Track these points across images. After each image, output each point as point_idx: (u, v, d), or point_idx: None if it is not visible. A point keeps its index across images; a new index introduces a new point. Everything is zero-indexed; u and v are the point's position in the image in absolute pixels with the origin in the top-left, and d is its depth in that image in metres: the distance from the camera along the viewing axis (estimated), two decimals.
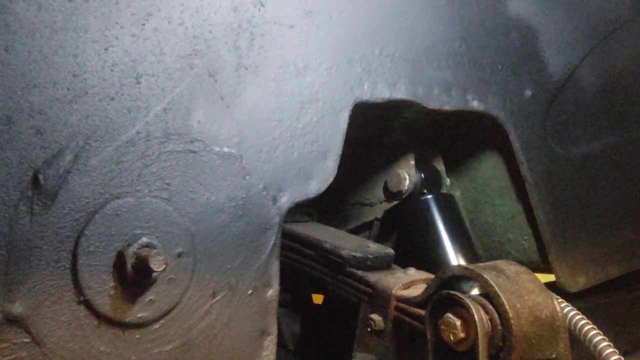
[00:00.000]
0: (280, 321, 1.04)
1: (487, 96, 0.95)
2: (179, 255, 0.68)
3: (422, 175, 1.00)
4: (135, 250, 0.64)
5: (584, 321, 0.71)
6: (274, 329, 0.76)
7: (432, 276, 0.75)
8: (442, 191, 1.03)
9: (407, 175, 0.98)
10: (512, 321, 0.60)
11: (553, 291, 0.67)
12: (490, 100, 0.95)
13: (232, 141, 0.72)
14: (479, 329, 0.60)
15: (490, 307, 0.62)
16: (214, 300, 0.71)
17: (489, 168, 1.04)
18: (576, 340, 0.69)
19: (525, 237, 1.03)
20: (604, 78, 1.09)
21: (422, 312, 0.68)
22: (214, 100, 0.71)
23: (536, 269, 1.01)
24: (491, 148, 1.03)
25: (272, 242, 0.75)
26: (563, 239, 1.00)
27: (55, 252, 0.61)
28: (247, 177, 0.73)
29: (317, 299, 1.11)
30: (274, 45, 0.75)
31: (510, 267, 0.67)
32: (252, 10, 0.74)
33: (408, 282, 0.75)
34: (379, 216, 1.03)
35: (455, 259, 0.95)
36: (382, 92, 0.83)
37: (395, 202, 1.00)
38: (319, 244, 0.85)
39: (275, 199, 0.75)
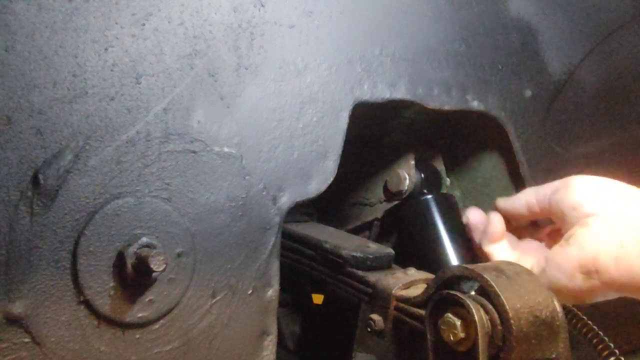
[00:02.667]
0: (280, 321, 1.04)
1: (487, 96, 0.95)
2: (179, 255, 0.68)
3: (422, 175, 0.99)
4: (135, 250, 0.64)
5: (584, 321, 0.71)
6: (274, 329, 0.76)
7: (432, 276, 0.75)
8: (442, 191, 1.03)
9: (407, 175, 0.98)
10: (512, 321, 0.60)
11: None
12: (490, 100, 0.95)
13: (232, 141, 0.72)
14: (479, 329, 0.60)
15: (490, 307, 0.62)
16: (214, 300, 0.71)
17: (489, 168, 1.04)
18: (576, 340, 0.69)
19: None
20: (604, 78, 1.09)
21: (422, 312, 0.68)
22: (214, 100, 0.71)
23: None
24: (491, 148, 1.03)
25: (272, 242, 0.75)
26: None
27: (55, 252, 0.61)
28: (247, 177, 0.73)
29: (317, 299, 1.11)
30: (274, 45, 0.75)
31: (510, 267, 0.67)
32: (252, 10, 0.74)
33: (408, 282, 0.75)
34: (379, 216, 1.03)
35: (455, 259, 0.95)
36: (382, 92, 0.83)
37: (395, 202, 1.00)
38: (319, 244, 0.85)
39: (275, 199, 0.75)
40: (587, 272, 0.68)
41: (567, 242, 0.71)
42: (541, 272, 0.74)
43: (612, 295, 0.70)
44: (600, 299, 0.71)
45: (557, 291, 0.70)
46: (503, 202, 0.80)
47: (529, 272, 0.67)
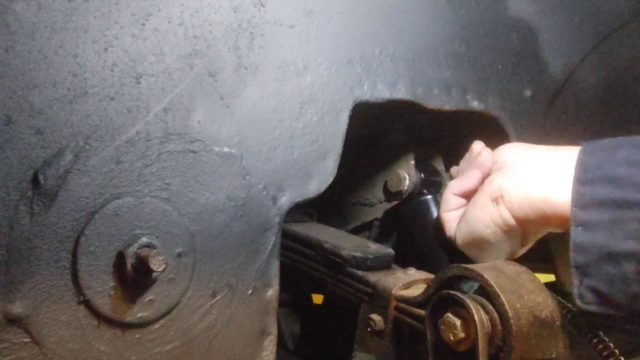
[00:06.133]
0: (280, 321, 1.04)
1: (487, 96, 0.95)
2: (179, 255, 0.68)
3: (422, 175, 1.00)
4: (135, 250, 0.64)
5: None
6: (274, 329, 0.76)
7: (432, 276, 0.75)
8: (442, 191, 1.03)
9: (407, 175, 0.98)
10: (512, 321, 0.60)
11: (553, 291, 0.67)
12: (490, 100, 0.95)
13: (232, 141, 0.72)
14: (479, 329, 0.61)
15: (490, 307, 0.62)
16: (214, 300, 0.71)
17: None
18: (576, 340, 0.69)
19: None
20: (604, 78, 1.09)
21: (422, 312, 0.68)
22: (214, 100, 0.71)
23: (536, 269, 1.01)
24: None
25: (272, 242, 0.75)
26: (563, 238, 1.00)
27: (55, 252, 0.61)
28: (247, 177, 0.73)
29: (317, 299, 1.11)
30: (274, 45, 0.75)
31: (510, 267, 0.67)
32: (252, 10, 0.74)
33: (408, 282, 0.75)
34: (379, 216, 1.03)
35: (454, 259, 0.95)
36: (382, 92, 0.83)
37: (395, 202, 1.00)
38: (319, 244, 0.85)
39: (275, 199, 0.75)
40: (495, 199, 0.76)
41: (483, 184, 0.81)
42: (463, 214, 0.82)
43: (518, 230, 0.75)
44: (511, 234, 0.76)
45: (475, 227, 0.78)
46: (455, 185, 0.86)
47: (528, 272, 0.67)
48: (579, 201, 0.66)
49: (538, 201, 0.71)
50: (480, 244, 0.79)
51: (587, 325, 0.69)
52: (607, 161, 0.66)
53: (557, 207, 0.69)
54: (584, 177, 0.67)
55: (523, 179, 0.74)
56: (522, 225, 0.74)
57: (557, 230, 0.74)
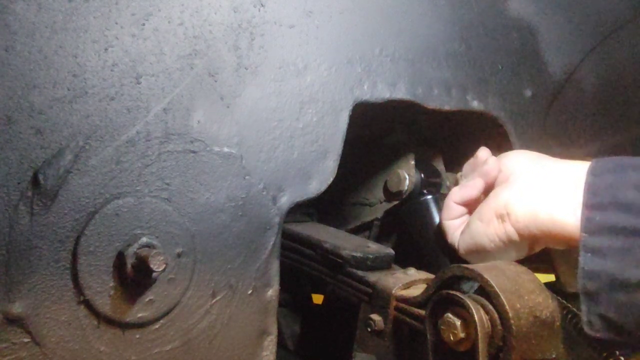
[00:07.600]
0: (280, 321, 1.04)
1: (487, 96, 0.95)
2: (179, 255, 0.68)
3: (422, 175, 0.99)
4: (135, 250, 0.64)
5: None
6: (274, 329, 0.76)
7: (432, 276, 0.75)
8: (442, 191, 1.03)
9: (407, 175, 0.98)
10: (512, 321, 0.60)
11: (553, 291, 0.67)
12: (490, 100, 0.95)
13: (232, 141, 0.72)
14: (479, 329, 0.61)
15: (490, 307, 0.62)
16: (214, 300, 0.71)
17: None
18: (576, 340, 0.69)
19: None
20: (604, 78, 1.09)
21: (422, 312, 0.68)
22: (214, 100, 0.71)
23: (536, 269, 1.01)
24: (491, 148, 1.03)
25: (272, 242, 0.75)
26: None
27: (55, 252, 0.61)
28: (247, 177, 0.73)
29: (317, 299, 1.11)
30: (274, 45, 0.75)
31: (510, 267, 0.67)
32: (252, 10, 0.74)
33: (408, 282, 0.75)
34: (379, 216, 1.03)
35: (454, 259, 0.95)
36: (382, 92, 0.83)
37: (395, 202, 1.00)
38: (319, 244, 0.85)
39: (275, 199, 0.75)
40: (500, 216, 0.75)
41: (488, 196, 0.79)
42: (467, 225, 0.82)
43: (523, 244, 0.75)
44: (517, 248, 0.76)
45: (479, 240, 0.77)
46: (457, 193, 0.86)
47: (528, 272, 0.67)
48: (588, 227, 0.65)
49: (545, 221, 0.70)
50: (483, 255, 0.78)
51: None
52: (617, 185, 0.65)
53: (565, 228, 0.69)
54: (593, 201, 0.66)
55: (530, 197, 0.73)
56: (527, 241, 0.74)
57: (562, 247, 0.73)
